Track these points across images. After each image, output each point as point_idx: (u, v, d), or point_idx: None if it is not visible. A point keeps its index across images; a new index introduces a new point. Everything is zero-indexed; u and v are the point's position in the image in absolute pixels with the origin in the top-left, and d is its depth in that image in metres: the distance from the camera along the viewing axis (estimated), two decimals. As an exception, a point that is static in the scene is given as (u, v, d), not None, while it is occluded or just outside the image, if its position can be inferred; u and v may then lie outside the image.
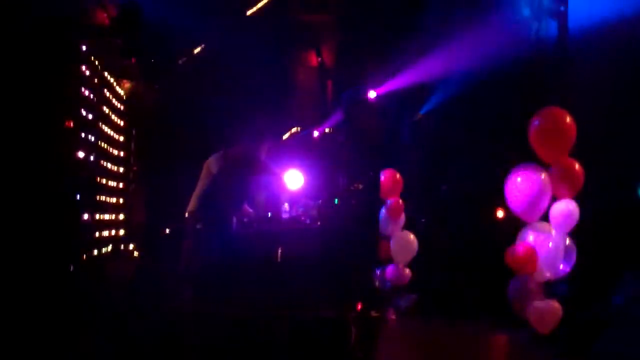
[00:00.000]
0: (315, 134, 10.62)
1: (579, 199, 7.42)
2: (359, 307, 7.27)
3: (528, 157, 7.60)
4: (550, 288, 7.56)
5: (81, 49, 6.88)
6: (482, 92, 9.28)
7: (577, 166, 7.40)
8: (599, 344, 6.73)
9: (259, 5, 9.20)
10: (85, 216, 6.74)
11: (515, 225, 7.86)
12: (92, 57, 7.18)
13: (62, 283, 5.90)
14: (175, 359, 5.99)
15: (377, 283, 8.79)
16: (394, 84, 9.72)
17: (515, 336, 7.78)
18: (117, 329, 6.18)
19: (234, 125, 7.88)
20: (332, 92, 11.27)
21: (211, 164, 7.56)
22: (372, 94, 9.13)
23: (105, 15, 7.52)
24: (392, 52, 10.01)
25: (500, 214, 9.44)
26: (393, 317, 8.62)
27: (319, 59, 11.12)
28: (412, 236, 9.26)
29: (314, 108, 11.31)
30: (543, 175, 7.40)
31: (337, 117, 9.91)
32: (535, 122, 7.52)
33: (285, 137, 10.32)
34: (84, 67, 6.92)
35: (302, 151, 9.70)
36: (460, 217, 9.88)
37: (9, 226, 5.58)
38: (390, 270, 9.06)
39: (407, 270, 9.14)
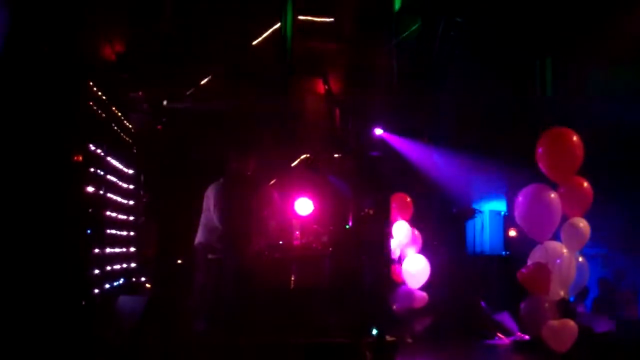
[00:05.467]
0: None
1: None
2: (374, 331, 7.22)
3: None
4: (565, 307, 7.50)
5: (88, 84, 6.92)
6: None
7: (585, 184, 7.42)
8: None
9: (264, 35, 9.21)
10: (96, 250, 6.74)
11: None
12: (100, 92, 7.21)
13: (74, 318, 5.88)
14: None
15: (393, 307, 8.73)
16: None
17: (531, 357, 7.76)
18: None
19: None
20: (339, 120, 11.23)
21: (209, 193, 7.61)
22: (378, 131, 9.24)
23: (111, 50, 7.58)
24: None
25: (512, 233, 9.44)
26: (409, 340, 8.55)
27: (326, 87, 11.11)
28: (424, 260, 9.22)
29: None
30: (552, 195, 7.38)
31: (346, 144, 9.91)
32: (542, 142, 7.53)
33: (294, 164, 10.29)
34: (91, 103, 6.95)
35: (311, 178, 9.65)
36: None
37: (20, 262, 5.56)
38: (403, 293, 9.01)
39: (422, 294, 9.09)
